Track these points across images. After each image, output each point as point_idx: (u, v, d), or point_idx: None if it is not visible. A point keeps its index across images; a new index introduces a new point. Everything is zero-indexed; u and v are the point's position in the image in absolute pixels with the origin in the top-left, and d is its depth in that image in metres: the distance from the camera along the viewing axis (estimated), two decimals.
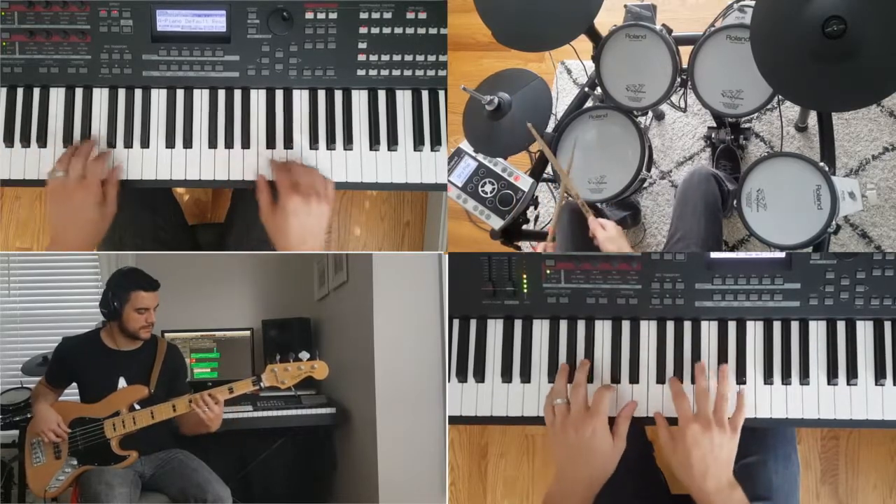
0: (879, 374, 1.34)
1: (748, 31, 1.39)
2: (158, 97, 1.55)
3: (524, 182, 1.74)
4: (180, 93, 1.55)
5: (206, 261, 2.50)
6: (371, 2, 1.52)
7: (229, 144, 1.54)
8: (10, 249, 2.46)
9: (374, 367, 1.88)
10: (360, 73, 1.56)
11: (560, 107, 2.13)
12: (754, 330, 1.38)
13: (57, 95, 1.54)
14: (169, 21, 1.51)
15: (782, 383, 1.35)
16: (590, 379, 1.37)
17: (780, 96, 1.57)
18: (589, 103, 1.89)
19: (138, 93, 1.55)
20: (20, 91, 1.54)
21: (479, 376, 1.41)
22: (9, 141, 1.52)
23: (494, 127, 1.68)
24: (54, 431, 1.74)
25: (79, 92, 1.54)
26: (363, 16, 1.52)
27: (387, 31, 1.54)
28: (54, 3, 1.49)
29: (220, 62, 1.54)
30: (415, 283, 1.86)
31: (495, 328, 1.43)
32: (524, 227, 1.83)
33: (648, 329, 1.40)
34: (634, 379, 1.37)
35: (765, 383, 1.35)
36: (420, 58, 1.56)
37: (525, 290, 1.40)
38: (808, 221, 1.47)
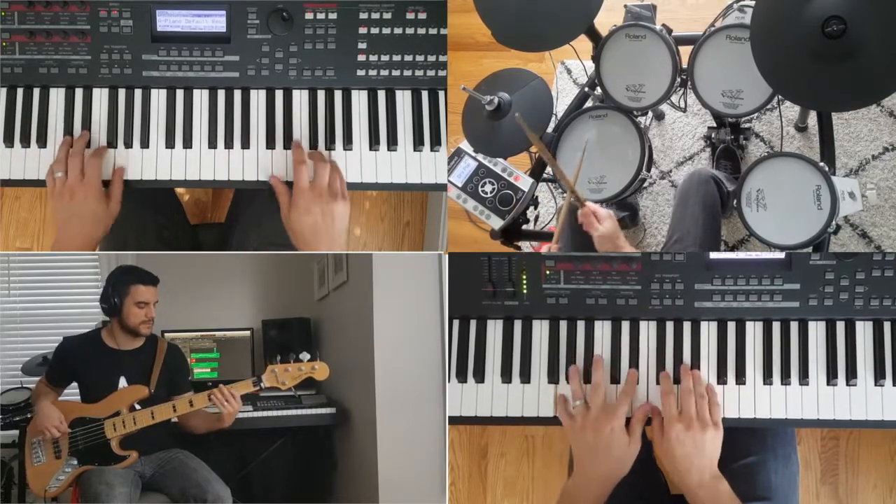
0: (879, 375, 1.34)
1: (748, 31, 1.39)
2: (158, 97, 1.55)
3: (524, 182, 1.74)
4: (180, 93, 1.55)
5: (206, 261, 2.50)
6: (371, 2, 1.52)
7: (229, 144, 1.54)
8: (10, 249, 2.46)
9: (374, 367, 1.88)
10: (360, 73, 1.56)
11: (560, 107, 2.13)
12: (754, 330, 1.38)
13: (57, 95, 1.54)
14: (169, 21, 1.51)
15: (782, 384, 1.35)
16: (587, 379, 1.37)
17: (779, 96, 1.57)
18: (589, 103, 1.89)
19: (138, 93, 1.55)
20: (20, 91, 1.54)
21: (479, 376, 1.41)
22: (9, 141, 1.52)
23: (494, 127, 1.68)
24: (56, 427, 1.74)
25: (79, 92, 1.54)
26: (363, 16, 1.52)
27: (387, 31, 1.54)
28: (54, 3, 1.49)
29: (220, 62, 1.54)
30: (415, 283, 1.86)
31: (495, 328, 1.43)
32: (524, 227, 1.83)
33: (648, 329, 1.40)
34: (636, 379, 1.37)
35: (764, 384, 1.35)
36: (420, 58, 1.56)
37: (525, 291, 1.40)
38: (808, 221, 1.47)
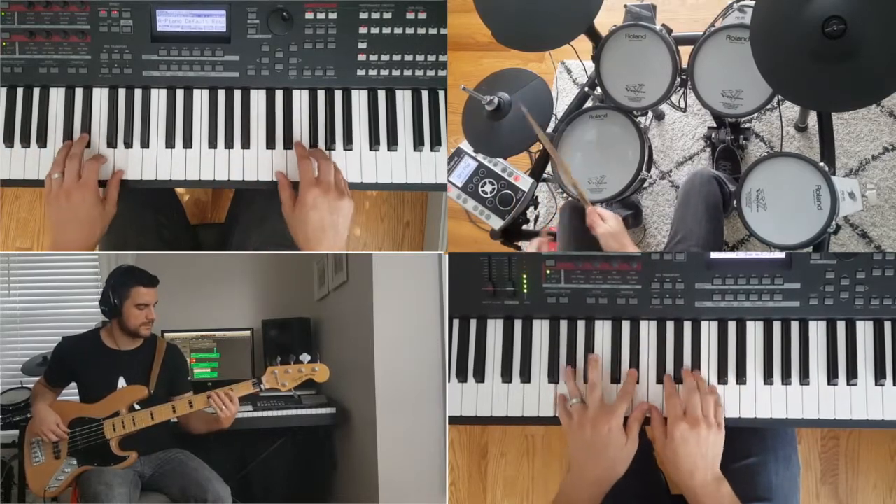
0: (879, 375, 1.34)
1: (748, 31, 1.39)
2: (158, 97, 1.55)
3: (524, 182, 1.74)
4: (180, 93, 1.55)
5: (206, 261, 2.50)
6: (371, 2, 1.52)
7: (229, 144, 1.54)
8: (10, 249, 2.46)
9: (374, 367, 1.88)
10: (360, 73, 1.56)
11: (560, 107, 2.13)
12: (754, 330, 1.38)
13: (57, 95, 1.54)
14: (169, 21, 1.51)
15: (782, 383, 1.35)
16: (586, 379, 1.37)
17: (780, 96, 1.57)
18: (589, 103, 1.89)
19: (138, 93, 1.55)
20: (20, 91, 1.54)
21: (479, 376, 1.41)
22: (9, 141, 1.52)
23: (494, 127, 1.68)
24: (53, 431, 1.74)
25: (79, 92, 1.54)
26: (363, 16, 1.52)
27: (387, 31, 1.54)
28: (54, 3, 1.49)
29: (220, 62, 1.54)
30: (415, 283, 1.86)
31: (495, 328, 1.43)
32: (524, 227, 1.83)
33: (648, 329, 1.40)
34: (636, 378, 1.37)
35: (765, 383, 1.35)
36: (420, 58, 1.56)
37: (525, 290, 1.40)
38: (808, 221, 1.47)
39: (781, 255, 1.36)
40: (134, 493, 1.74)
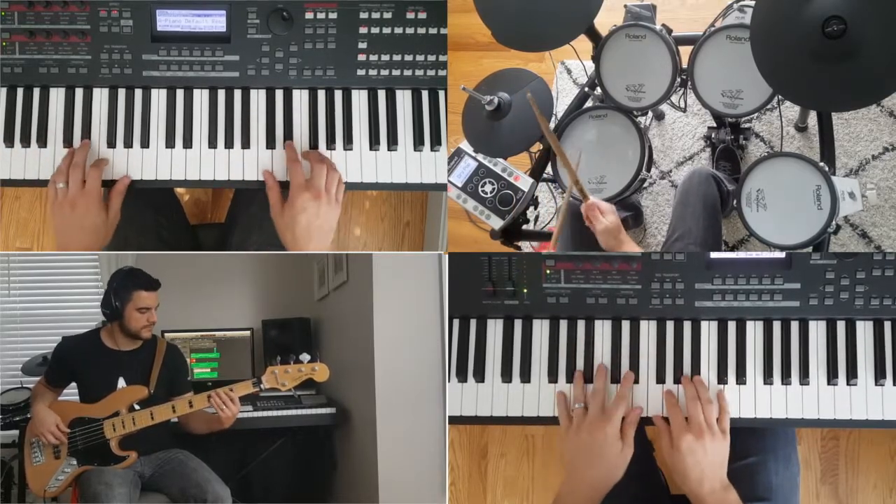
0: (879, 374, 1.34)
1: (748, 31, 1.39)
2: (158, 97, 1.55)
3: (524, 182, 1.74)
4: (180, 93, 1.55)
5: (206, 261, 2.50)
6: (371, 2, 1.52)
7: (229, 144, 1.54)
8: (10, 249, 2.45)
9: (374, 367, 1.88)
10: (360, 73, 1.56)
11: (560, 107, 2.13)
12: (754, 330, 1.38)
13: (57, 95, 1.54)
14: (169, 21, 1.51)
15: (782, 383, 1.35)
16: (589, 379, 1.37)
17: (780, 96, 1.57)
18: (589, 103, 1.89)
19: (138, 93, 1.55)
20: (20, 91, 1.54)
21: (479, 376, 1.41)
22: (9, 141, 1.52)
23: (494, 127, 1.68)
24: (52, 433, 1.74)
25: (79, 92, 1.54)
26: (363, 16, 1.52)
27: (387, 31, 1.54)
28: (54, 3, 1.49)
29: (220, 62, 1.54)
30: (415, 283, 1.86)
31: (495, 328, 1.43)
32: (524, 227, 1.83)
33: (648, 329, 1.40)
34: (634, 379, 1.37)
35: (765, 383, 1.35)
36: (420, 58, 1.56)
37: (525, 290, 1.40)
38: (808, 221, 1.47)
39: (781, 255, 1.36)
40: (134, 493, 1.74)
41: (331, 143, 1.55)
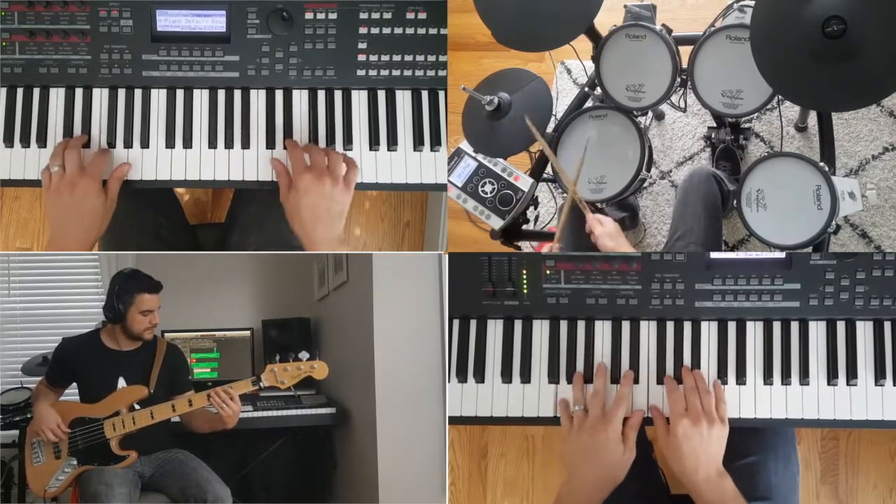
0: (879, 375, 1.34)
1: (748, 31, 1.39)
2: (158, 97, 1.55)
3: (524, 182, 1.74)
4: (180, 93, 1.55)
5: (206, 261, 2.50)
6: (371, 2, 1.52)
7: (229, 144, 1.54)
8: (10, 249, 2.46)
9: (374, 367, 1.88)
10: (360, 73, 1.56)
11: (560, 107, 2.13)
12: (754, 330, 1.38)
13: (57, 95, 1.54)
14: (169, 21, 1.51)
15: (782, 384, 1.35)
16: (589, 379, 1.37)
17: (780, 96, 1.57)
18: (589, 103, 1.89)
19: (138, 93, 1.55)
20: (20, 91, 1.54)
21: (479, 376, 1.41)
22: (9, 141, 1.52)
23: (494, 127, 1.68)
24: (53, 431, 1.74)
25: (79, 92, 1.54)
26: (363, 16, 1.52)
27: (387, 31, 1.54)
28: (54, 3, 1.49)
29: (220, 62, 1.54)
30: (415, 283, 1.86)
31: (495, 328, 1.43)
32: (524, 227, 1.83)
33: (648, 329, 1.40)
34: (634, 379, 1.37)
35: (765, 383, 1.36)
36: (420, 58, 1.56)
37: (525, 290, 1.40)
38: (808, 221, 1.47)
39: (781, 255, 1.36)
40: (134, 493, 1.74)
41: (331, 143, 1.55)
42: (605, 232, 1.53)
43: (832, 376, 1.34)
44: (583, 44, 1.72)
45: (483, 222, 1.77)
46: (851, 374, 1.34)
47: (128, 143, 1.52)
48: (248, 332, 2.50)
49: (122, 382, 1.82)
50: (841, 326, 1.37)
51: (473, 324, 1.44)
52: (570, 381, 1.38)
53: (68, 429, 1.77)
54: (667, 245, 1.85)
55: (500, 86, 1.70)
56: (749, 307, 1.37)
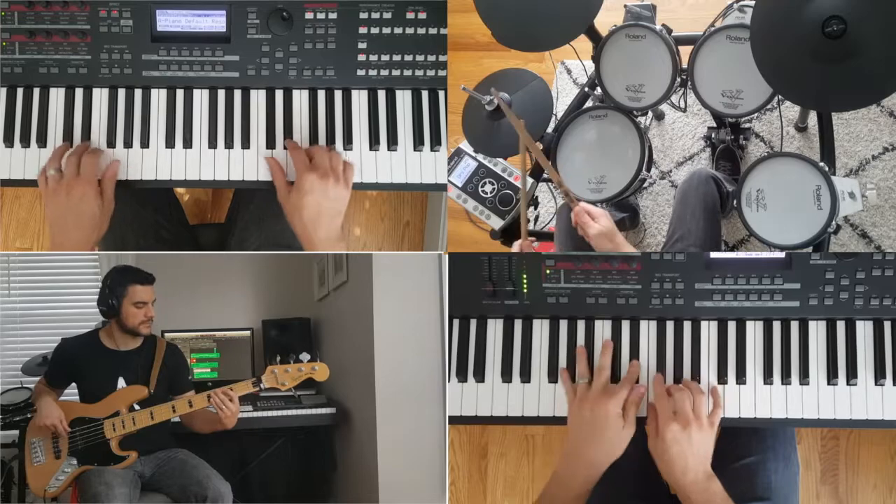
0: (879, 374, 1.34)
1: (748, 31, 1.39)
2: (158, 97, 1.55)
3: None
4: (180, 93, 1.55)
5: (206, 261, 2.50)
6: (371, 2, 1.52)
7: (229, 144, 1.54)
8: (10, 249, 2.46)
9: (374, 367, 1.88)
10: (360, 73, 1.56)
11: (560, 107, 2.13)
12: (754, 330, 1.38)
13: (57, 95, 1.54)
14: (169, 21, 1.51)
15: (782, 383, 1.35)
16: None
17: (780, 96, 1.57)
18: (589, 103, 1.89)
19: (138, 93, 1.55)
20: (20, 91, 1.54)
21: (479, 376, 1.41)
22: (9, 141, 1.52)
23: (494, 127, 1.68)
24: (56, 424, 1.74)
25: (79, 92, 1.54)
26: (363, 16, 1.52)
27: (387, 31, 1.54)
28: (54, 3, 1.49)
29: (220, 62, 1.54)
30: (415, 283, 1.86)
31: (495, 328, 1.43)
32: None
33: (648, 329, 1.40)
34: (634, 379, 1.37)
35: (764, 383, 1.35)
36: (420, 58, 1.56)
37: (525, 290, 1.40)
38: (808, 221, 1.47)
39: (781, 255, 1.36)
40: (134, 493, 1.74)
41: (331, 143, 1.55)
42: (601, 233, 1.51)
43: (832, 376, 1.34)
44: (583, 44, 1.72)
45: (483, 222, 1.77)
46: (851, 374, 1.34)
47: (128, 143, 1.52)
48: (248, 332, 2.50)
49: (121, 382, 1.82)
50: (841, 326, 1.37)
51: (473, 324, 1.44)
52: (577, 359, 1.38)
53: (69, 428, 1.77)
54: (665, 247, 1.85)
55: (500, 86, 1.70)
56: (749, 307, 1.37)
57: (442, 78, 1.58)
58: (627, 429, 1.28)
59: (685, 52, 1.66)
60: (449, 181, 1.75)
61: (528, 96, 1.68)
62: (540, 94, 1.68)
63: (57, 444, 1.77)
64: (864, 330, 1.36)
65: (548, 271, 1.39)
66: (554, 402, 1.38)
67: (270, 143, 1.54)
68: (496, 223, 1.74)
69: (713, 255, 1.37)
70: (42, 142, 1.52)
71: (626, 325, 1.40)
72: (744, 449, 1.43)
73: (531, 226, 1.90)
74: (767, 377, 1.36)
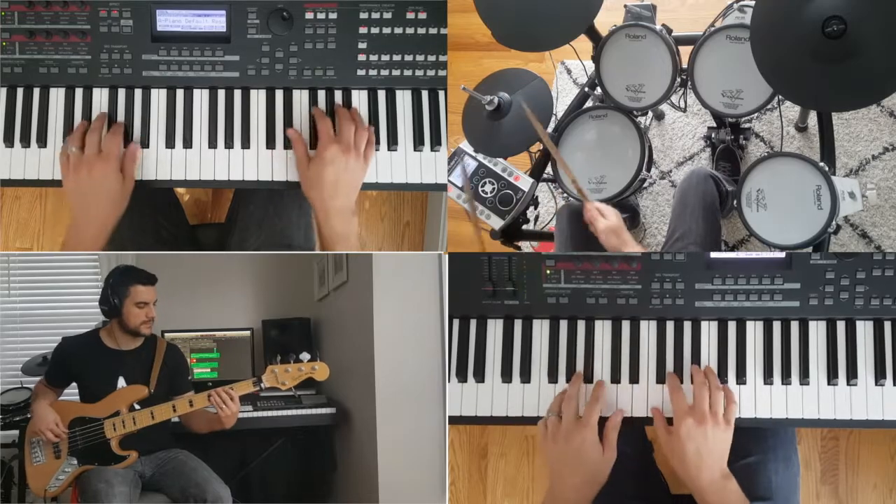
0: (879, 374, 1.34)
1: (748, 31, 1.39)
2: (158, 97, 1.55)
3: (524, 182, 1.74)
4: (180, 93, 1.55)
5: (206, 261, 2.50)
6: (371, 2, 1.52)
7: (229, 144, 1.54)
8: (10, 249, 2.46)
9: (374, 367, 1.88)
10: (360, 73, 1.56)
11: (560, 107, 2.13)
12: (754, 330, 1.38)
13: (57, 95, 1.54)
14: (169, 21, 1.51)
15: (782, 383, 1.35)
16: (590, 379, 1.37)
17: (780, 96, 1.57)
18: (589, 103, 1.89)
19: (138, 93, 1.55)
20: (20, 91, 1.54)
21: (479, 376, 1.41)
22: (9, 141, 1.52)
23: (494, 127, 1.68)
24: (52, 431, 1.74)
25: (79, 92, 1.54)
26: (363, 16, 1.52)
27: (387, 31, 1.54)
28: (54, 3, 1.49)
29: (220, 62, 1.53)
30: (415, 283, 1.86)
31: (495, 328, 1.43)
32: (524, 227, 1.83)
33: (648, 329, 1.40)
34: (634, 379, 1.37)
35: (765, 383, 1.36)
36: (420, 58, 1.56)
37: (525, 290, 1.40)
38: (808, 221, 1.47)
39: (781, 255, 1.36)
40: (134, 493, 1.74)
41: None
42: (609, 227, 1.52)
43: (832, 376, 1.34)
44: (583, 44, 1.72)
45: (483, 222, 1.77)
46: (851, 374, 1.34)
47: (127, 143, 1.52)
48: (248, 332, 2.50)
49: (121, 382, 1.82)
50: (841, 326, 1.37)
51: (473, 324, 1.44)
52: (569, 380, 1.37)
53: (68, 429, 1.77)
54: (665, 246, 1.85)
55: (500, 86, 1.70)
56: (749, 307, 1.37)
57: (442, 78, 1.58)
58: (608, 453, 1.25)
59: (685, 52, 1.66)
60: (449, 181, 1.76)
61: (528, 96, 1.68)
62: (540, 94, 1.68)
63: (57, 443, 1.77)
64: (864, 330, 1.36)
65: (548, 271, 1.39)
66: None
67: (270, 143, 1.54)
68: (496, 223, 1.74)
69: (713, 255, 1.37)
70: (42, 142, 1.52)
71: (626, 326, 1.40)
72: (744, 449, 1.43)
73: (531, 226, 1.90)
74: (767, 377, 1.36)
